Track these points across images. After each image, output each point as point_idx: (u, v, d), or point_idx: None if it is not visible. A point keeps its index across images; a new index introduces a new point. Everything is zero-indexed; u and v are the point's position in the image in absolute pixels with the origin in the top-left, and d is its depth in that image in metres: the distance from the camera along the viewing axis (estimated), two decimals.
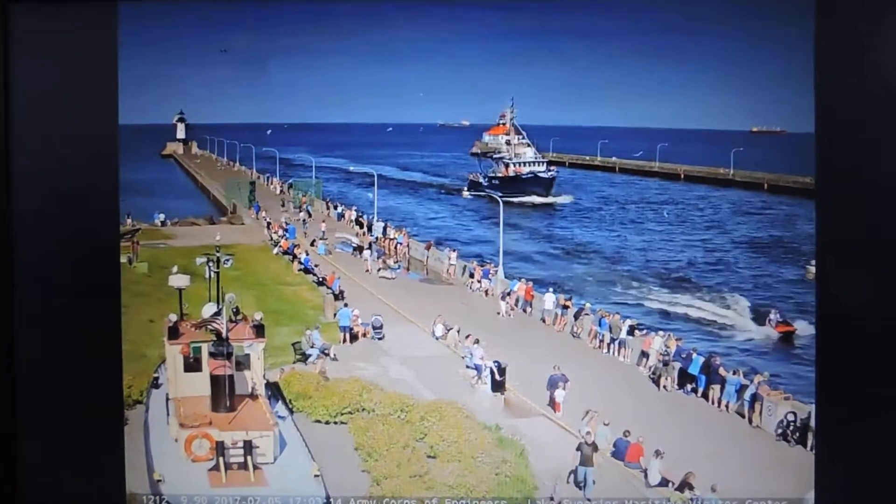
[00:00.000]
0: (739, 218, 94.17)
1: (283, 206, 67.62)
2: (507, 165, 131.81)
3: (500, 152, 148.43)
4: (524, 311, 35.13)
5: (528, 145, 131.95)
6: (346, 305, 29.28)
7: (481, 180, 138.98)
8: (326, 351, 25.72)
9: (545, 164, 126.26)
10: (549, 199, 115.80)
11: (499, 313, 33.55)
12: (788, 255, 62.87)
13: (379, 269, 44.46)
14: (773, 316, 38.30)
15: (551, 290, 33.02)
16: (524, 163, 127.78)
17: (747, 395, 21.99)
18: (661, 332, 26.94)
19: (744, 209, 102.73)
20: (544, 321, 32.18)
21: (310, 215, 61.26)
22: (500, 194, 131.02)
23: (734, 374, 22.87)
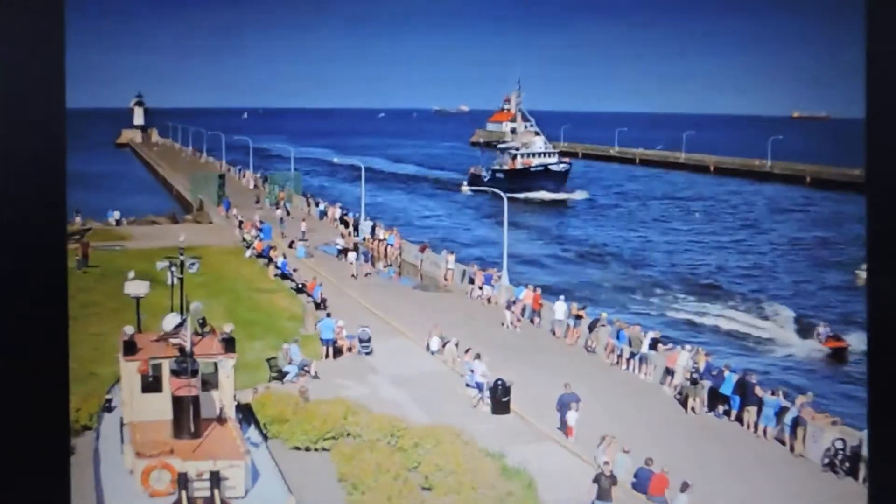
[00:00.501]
0: (778, 216, 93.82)
1: (257, 202, 67.93)
2: (513, 157, 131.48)
3: (505, 142, 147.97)
4: (532, 321, 35.37)
5: (537, 134, 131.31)
6: (328, 315, 29.28)
7: (483, 174, 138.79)
8: (306, 368, 25.71)
9: (557, 156, 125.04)
10: (562, 195, 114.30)
11: (503, 324, 33.54)
12: (835, 259, 62.90)
13: (367, 274, 44.47)
14: (823, 330, 37.95)
15: (562, 298, 32.91)
16: (533, 154, 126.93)
17: (788, 418, 21.76)
18: (688, 347, 26.90)
19: (783, 206, 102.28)
20: (554, 333, 32.07)
21: (288, 213, 61.45)
22: (506, 189, 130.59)
23: (773, 394, 22.64)
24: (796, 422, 21.94)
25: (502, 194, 42.70)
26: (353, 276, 41.25)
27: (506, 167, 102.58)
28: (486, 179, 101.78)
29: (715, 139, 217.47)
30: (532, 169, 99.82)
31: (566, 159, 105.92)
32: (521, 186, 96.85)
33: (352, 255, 42.89)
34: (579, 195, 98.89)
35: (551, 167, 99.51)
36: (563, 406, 22.41)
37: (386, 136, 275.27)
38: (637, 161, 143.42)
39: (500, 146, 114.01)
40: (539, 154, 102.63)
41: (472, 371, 24.84)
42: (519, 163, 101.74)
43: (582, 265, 57.13)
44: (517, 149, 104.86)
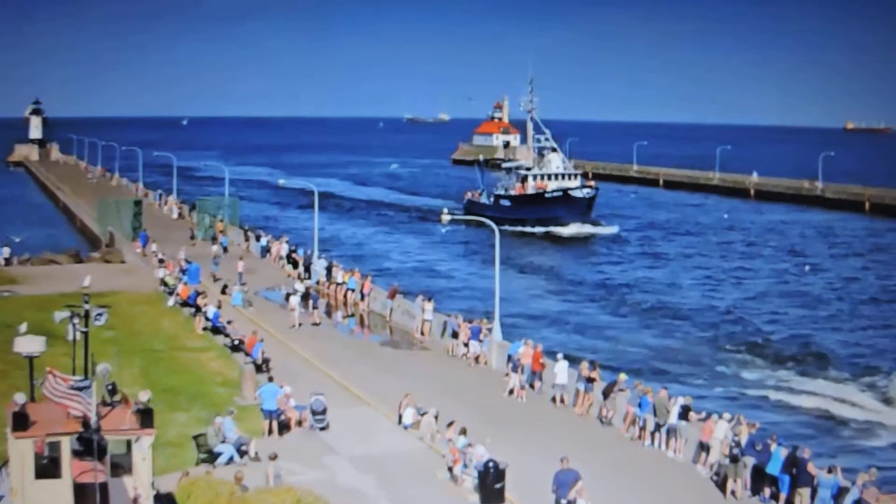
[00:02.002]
0: (876, 254, 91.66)
1: (192, 237, 67.67)
2: (523, 179, 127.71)
3: (511, 159, 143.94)
4: (531, 385, 34.97)
5: (555, 150, 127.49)
6: (271, 380, 29.10)
7: (484, 200, 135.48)
8: (244, 447, 25.51)
9: (579, 178, 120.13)
10: (588, 230, 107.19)
11: (511, 392, 32.35)
12: None
13: (315, 324, 44.24)
14: None
15: (561, 356, 32.48)
16: (549, 175, 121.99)
17: (849, 501, 21.84)
18: (726, 415, 26.92)
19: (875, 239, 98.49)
20: (555, 401, 31.85)
21: (225, 249, 61.36)
22: (514, 220, 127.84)
23: (829, 472, 22.70)
24: None
25: (492, 224, 42.45)
26: (293, 326, 41.66)
27: (514, 192, 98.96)
28: (488, 207, 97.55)
29: (754, 156, 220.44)
30: (548, 194, 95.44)
31: (591, 183, 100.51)
32: (534, 217, 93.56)
33: (293, 300, 42.96)
34: (609, 229, 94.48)
35: (573, 192, 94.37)
36: (562, 486, 22.30)
37: (346, 150, 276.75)
38: (661, 183, 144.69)
39: (505, 165, 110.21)
40: (557, 176, 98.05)
41: (464, 452, 24.61)
42: (531, 186, 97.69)
43: (626, 323, 55.16)
44: (528, 168, 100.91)
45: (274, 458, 23.52)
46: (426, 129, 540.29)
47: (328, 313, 45.71)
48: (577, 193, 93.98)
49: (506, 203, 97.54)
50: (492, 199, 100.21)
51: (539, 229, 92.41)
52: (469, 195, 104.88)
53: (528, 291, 62.71)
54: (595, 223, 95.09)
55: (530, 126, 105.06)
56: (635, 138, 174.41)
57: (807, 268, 74.28)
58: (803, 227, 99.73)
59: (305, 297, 44.53)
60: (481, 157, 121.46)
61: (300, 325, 41.70)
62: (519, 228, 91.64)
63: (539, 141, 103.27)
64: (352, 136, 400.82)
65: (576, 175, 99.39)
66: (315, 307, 43.62)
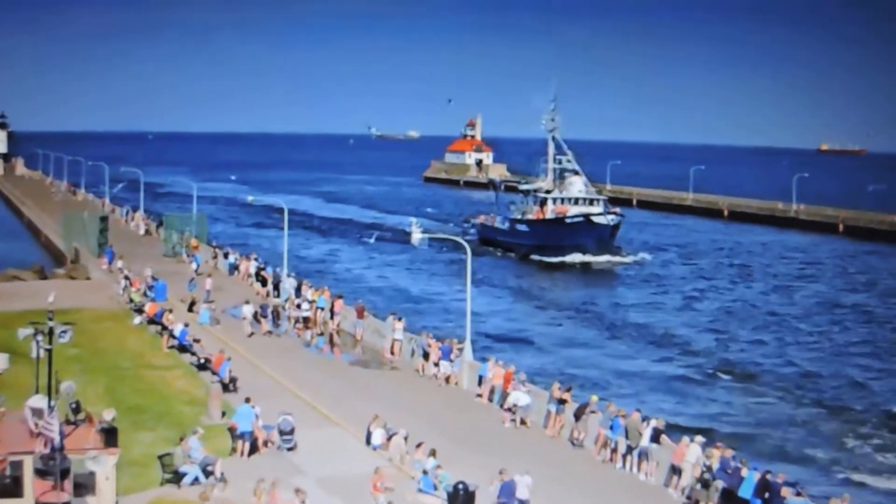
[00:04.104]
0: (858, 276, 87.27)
1: (174, 253, 67.10)
2: (542, 202, 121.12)
3: (528, 180, 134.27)
4: (501, 406, 35.28)
5: (577, 173, 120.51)
6: (247, 401, 28.90)
7: (499, 224, 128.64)
8: (210, 468, 25.37)
9: (603, 203, 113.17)
10: (613, 259, 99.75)
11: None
12: None
13: (267, 332, 44.91)
14: None
15: (521, 374, 32.39)
16: (571, 199, 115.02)
17: None
18: (698, 438, 27.06)
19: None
20: (518, 423, 31.76)
21: (197, 270, 60.90)
22: (532, 248, 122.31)
23: (799, 495, 22.97)
24: None
25: (464, 243, 42.43)
26: (249, 335, 42.94)
27: (531, 216, 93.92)
28: (502, 232, 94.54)
29: (727, 175, 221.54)
30: (568, 220, 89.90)
31: (616, 209, 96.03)
32: (552, 244, 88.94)
33: (246, 309, 44.38)
34: (636, 258, 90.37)
35: (595, 218, 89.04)
36: (507, 496, 22.83)
37: (316, 167, 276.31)
38: (634, 203, 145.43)
39: (522, 187, 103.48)
40: (579, 200, 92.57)
41: (425, 472, 24.69)
42: (550, 211, 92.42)
43: (611, 346, 53.81)
44: (548, 191, 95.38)
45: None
46: (396, 145, 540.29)
47: (297, 332, 45.55)
48: (601, 220, 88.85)
49: (523, 228, 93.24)
50: (507, 224, 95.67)
51: (558, 258, 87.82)
52: (483, 219, 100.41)
53: (510, 313, 62.65)
54: (619, 253, 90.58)
55: (551, 146, 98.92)
56: (609, 157, 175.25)
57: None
58: (781, 249, 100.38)
59: (247, 303, 45.98)
60: (497, 179, 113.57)
61: (252, 334, 43.18)
62: (538, 256, 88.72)
63: (560, 162, 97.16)
64: (322, 153, 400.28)
65: (599, 200, 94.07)
66: (264, 316, 44.68)
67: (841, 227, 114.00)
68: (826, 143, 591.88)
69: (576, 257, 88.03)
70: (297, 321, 46.11)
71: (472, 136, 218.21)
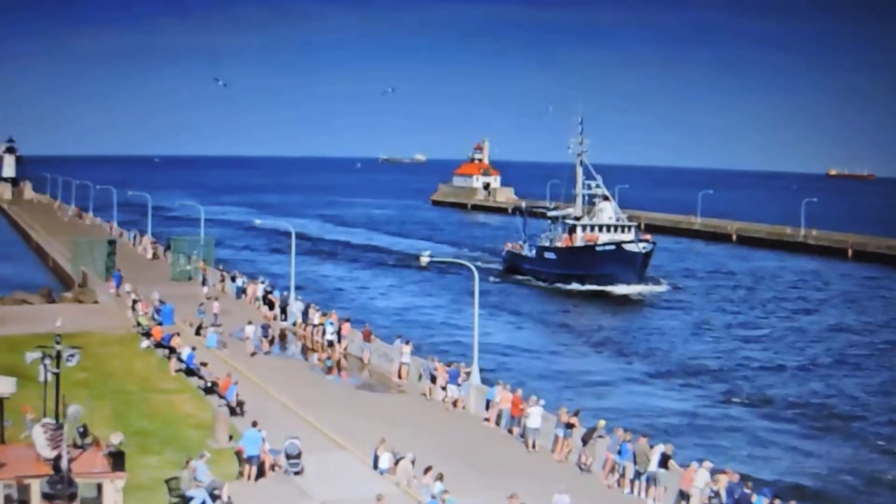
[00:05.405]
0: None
1: (187, 278, 67.12)
2: (572, 230, 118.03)
3: (556, 207, 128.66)
4: (510, 431, 35.29)
5: (607, 198, 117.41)
6: (254, 425, 28.91)
7: (526, 252, 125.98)
8: (217, 492, 25.36)
9: (634, 230, 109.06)
10: (641, 288, 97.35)
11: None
12: None
13: (267, 353, 45.24)
14: None
15: (535, 398, 32.19)
16: (601, 226, 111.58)
17: None
18: (707, 463, 27.01)
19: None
20: (530, 446, 31.62)
21: (207, 291, 60.95)
22: (559, 276, 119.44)
23: None
24: None
25: (472, 267, 42.44)
26: (251, 354, 43.81)
27: (560, 243, 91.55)
28: (528, 260, 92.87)
29: (735, 199, 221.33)
30: (599, 248, 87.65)
31: (647, 236, 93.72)
32: (581, 272, 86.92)
33: (249, 329, 45.23)
34: (659, 287, 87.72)
35: (627, 247, 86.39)
36: None
37: (323, 191, 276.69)
38: (643, 227, 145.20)
39: (550, 213, 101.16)
40: (609, 227, 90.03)
41: (433, 497, 24.67)
42: (579, 238, 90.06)
43: (627, 376, 52.48)
44: (577, 218, 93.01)
45: None
46: (403, 169, 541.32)
47: (304, 356, 45.57)
48: (633, 248, 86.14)
49: (551, 256, 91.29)
50: (535, 251, 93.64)
51: (588, 287, 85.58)
52: (510, 246, 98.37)
53: (530, 341, 62.24)
54: (651, 282, 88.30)
55: (580, 171, 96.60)
56: (617, 181, 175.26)
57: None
58: (791, 274, 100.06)
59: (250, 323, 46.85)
60: (524, 204, 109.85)
61: (254, 353, 44.25)
62: (565, 285, 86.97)
63: (589, 188, 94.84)
64: (329, 176, 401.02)
65: (630, 227, 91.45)
66: (265, 336, 45.75)
67: (850, 252, 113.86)
68: (834, 167, 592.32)
69: (612, 287, 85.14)
70: (305, 346, 46.52)
71: (480, 160, 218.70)
